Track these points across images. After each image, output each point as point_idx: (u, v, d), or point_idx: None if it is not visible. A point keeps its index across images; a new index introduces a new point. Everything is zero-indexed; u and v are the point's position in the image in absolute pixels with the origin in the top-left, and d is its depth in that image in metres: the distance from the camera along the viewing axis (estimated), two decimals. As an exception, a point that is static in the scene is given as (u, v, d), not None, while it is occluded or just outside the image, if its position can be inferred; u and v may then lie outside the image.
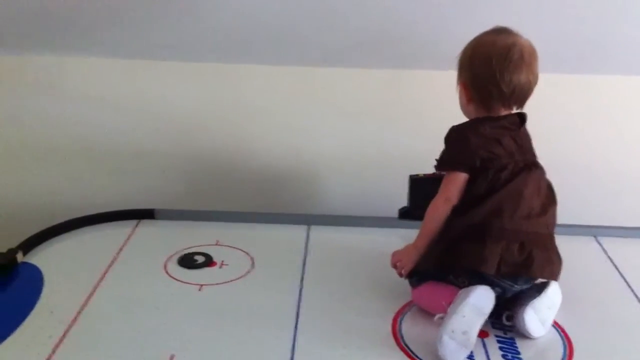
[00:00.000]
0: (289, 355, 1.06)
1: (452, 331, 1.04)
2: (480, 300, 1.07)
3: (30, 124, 1.68)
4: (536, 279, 1.15)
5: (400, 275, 1.22)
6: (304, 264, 1.34)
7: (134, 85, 1.63)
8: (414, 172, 1.52)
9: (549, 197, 1.20)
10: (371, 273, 1.31)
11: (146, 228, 1.49)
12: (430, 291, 1.17)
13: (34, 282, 1.26)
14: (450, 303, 1.09)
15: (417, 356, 1.06)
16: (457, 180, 1.17)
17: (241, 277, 1.28)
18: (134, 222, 1.51)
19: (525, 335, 1.11)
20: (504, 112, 1.18)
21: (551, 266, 1.15)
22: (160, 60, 1.62)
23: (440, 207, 1.18)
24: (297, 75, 1.62)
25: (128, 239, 1.44)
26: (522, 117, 1.20)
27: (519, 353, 1.08)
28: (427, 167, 1.54)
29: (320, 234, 1.48)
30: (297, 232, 1.48)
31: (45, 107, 1.67)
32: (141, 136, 1.65)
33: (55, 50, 1.59)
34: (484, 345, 1.09)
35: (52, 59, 1.62)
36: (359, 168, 1.67)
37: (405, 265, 1.21)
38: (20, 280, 1.28)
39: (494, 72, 1.13)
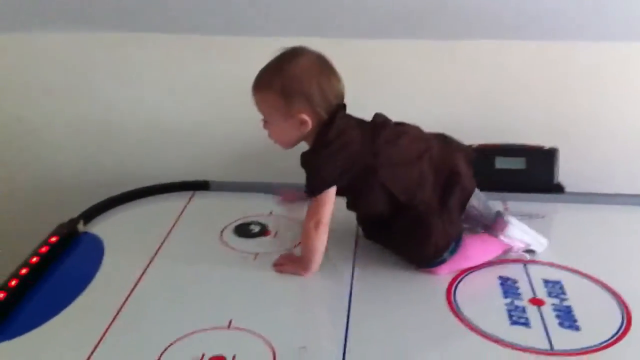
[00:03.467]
0: (344, 320, 1.07)
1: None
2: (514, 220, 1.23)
3: (92, 101, 1.72)
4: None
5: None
6: (356, 232, 1.35)
7: (188, 61, 1.65)
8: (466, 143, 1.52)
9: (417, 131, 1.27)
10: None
11: (201, 199, 1.52)
12: (473, 245, 1.22)
13: (95, 251, 1.30)
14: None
15: (473, 324, 1.06)
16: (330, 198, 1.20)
17: (295, 246, 1.30)
18: (189, 193, 1.54)
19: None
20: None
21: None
22: (216, 35, 1.63)
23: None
24: (341, 48, 1.61)
25: (184, 209, 1.46)
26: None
27: (575, 320, 1.07)
28: (474, 138, 1.54)
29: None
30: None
31: (105, 85, 1.70)
32: (196, 110, 1.67)
33: (118, 28, 1.62)
34: (541, 314, 1.09)
35: (115, 36, 1.65)
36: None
37: (287, 272, 1.22)
38: (82, 248, 1.32)
39: (320, 84, 1.17)
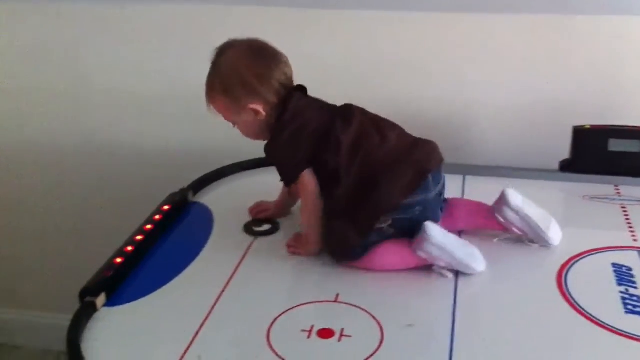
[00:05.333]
0: (451, 301, 1.07)
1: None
2: (437, 235, 1.11)
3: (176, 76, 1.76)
4: (431, 169, 1.16)
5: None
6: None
7: (283, 34, 1.65)
8: (578, 124, 1.47)
9: (376, 118, 1.21)
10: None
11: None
12: (384, 253, 1.15)
13: (205, 220, 1.33)
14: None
15: (586, 311, 1.04)
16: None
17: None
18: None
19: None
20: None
21: (433, 153, 1.18)
22: (307, 8, 1.63)
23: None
24: (453, 22, 1.59)
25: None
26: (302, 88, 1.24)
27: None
28: (593, 118, 1.49)
29: (475, 184, 1.46)
30: (451, 182, 1.46)
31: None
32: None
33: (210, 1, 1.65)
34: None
35: (206, 8, 1.67)
36: (519, 118, 1.62)
37: (301, 254, 1.21)
38: (193, 218, 1.36)
39: (255, 71, 1.17)
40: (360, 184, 1.14)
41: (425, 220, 1.13)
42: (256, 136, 1.24)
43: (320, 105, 1.23)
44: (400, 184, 1.13)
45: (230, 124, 1.24)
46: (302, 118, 1.19)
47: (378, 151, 1.16)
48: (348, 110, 1.21)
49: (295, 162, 1.18)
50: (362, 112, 1.22)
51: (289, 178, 1.20)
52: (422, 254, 1.13)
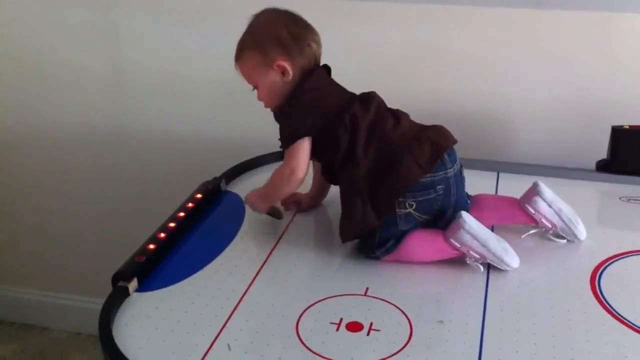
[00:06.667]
0: (482, 299, 1.06)
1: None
2: (471, 222, 1.11)
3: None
4: (447, 145, 1.15)
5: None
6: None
7: (335, 26, 1.65)
8: (617, 123, 1.45)
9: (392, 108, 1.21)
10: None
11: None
12: (415, 241, 1.14)
13: (237, 209, 1.34)
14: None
15: (619, 313, 1.02)
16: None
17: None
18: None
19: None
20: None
21: (447, 133, 1.18)
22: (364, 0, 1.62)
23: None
24: (493, 17, 1.57)
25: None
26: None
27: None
28: (633, 118, 1.46)
29: (509, 181, 1.45)
30: (485, 178, 1.45)
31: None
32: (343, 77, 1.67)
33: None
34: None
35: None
36: (556, 115, 1.60)
37: (258, 209, 1.26)
38: (225, 206, 1.37)
39: (289, 28, 1.18)
40: (379, 163, 1.14)
41: (449, 203, 1.14)
42: (274, 103, 1.23)
43: (340, 88, 1.23)
44: (417, 160, 1.13)
45: (252, 89, 1.24)
46: (320, 91, 1.19)
47: (393, 132, 1.16)
48: (367, 96, 1.21)
49: (300, 126, 1.18)
50: (381, 100, 1.22)
51: (288, 138, 1.19)
52: (454, 243, 1.12)
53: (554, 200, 1.18)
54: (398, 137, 1.16)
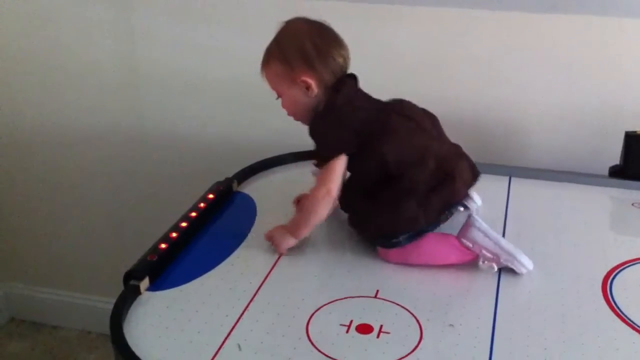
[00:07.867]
0: (492, 303, 1.06)
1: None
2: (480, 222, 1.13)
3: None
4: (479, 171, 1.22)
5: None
6: (505, 216, 1.32)
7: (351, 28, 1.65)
8: (630, 129, 1.44)
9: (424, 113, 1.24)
10: (576, 231, 1.26)
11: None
12: (428, 243, 1.15)
13: (248, 210, 1.34)
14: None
15: (631, 319, 1.02)
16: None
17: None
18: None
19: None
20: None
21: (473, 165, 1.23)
22: (387, 3, 1.62)
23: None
24: (504, 23, 1.56)
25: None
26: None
27: None
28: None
29: (521, 186, 1.44)
30: (497, 183, 1.45)
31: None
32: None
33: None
34: None
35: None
36: (569, 120, 1.59)
37: (278, 248, 1.19)
38: (236, 207, 1.37)
39: (314, 42, 1.16)
40: (437, 171, 1.15)
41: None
42: (298, 114, 1.23)
43: (369, 97, 1.23)
44: (464, 178, 1.19)
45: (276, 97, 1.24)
46: (352, 105, 1.19)
47: (442, 145, 1.20)
48: (400, 104, 1.22)
49: (338, 142, 1.17)
50: (414, 106, 1.23)
51: (326, 155, 1.18)
52: (467, 242, 1.12)
53: (489, 230, 1.13)
54: (446, 150, 1.20)
